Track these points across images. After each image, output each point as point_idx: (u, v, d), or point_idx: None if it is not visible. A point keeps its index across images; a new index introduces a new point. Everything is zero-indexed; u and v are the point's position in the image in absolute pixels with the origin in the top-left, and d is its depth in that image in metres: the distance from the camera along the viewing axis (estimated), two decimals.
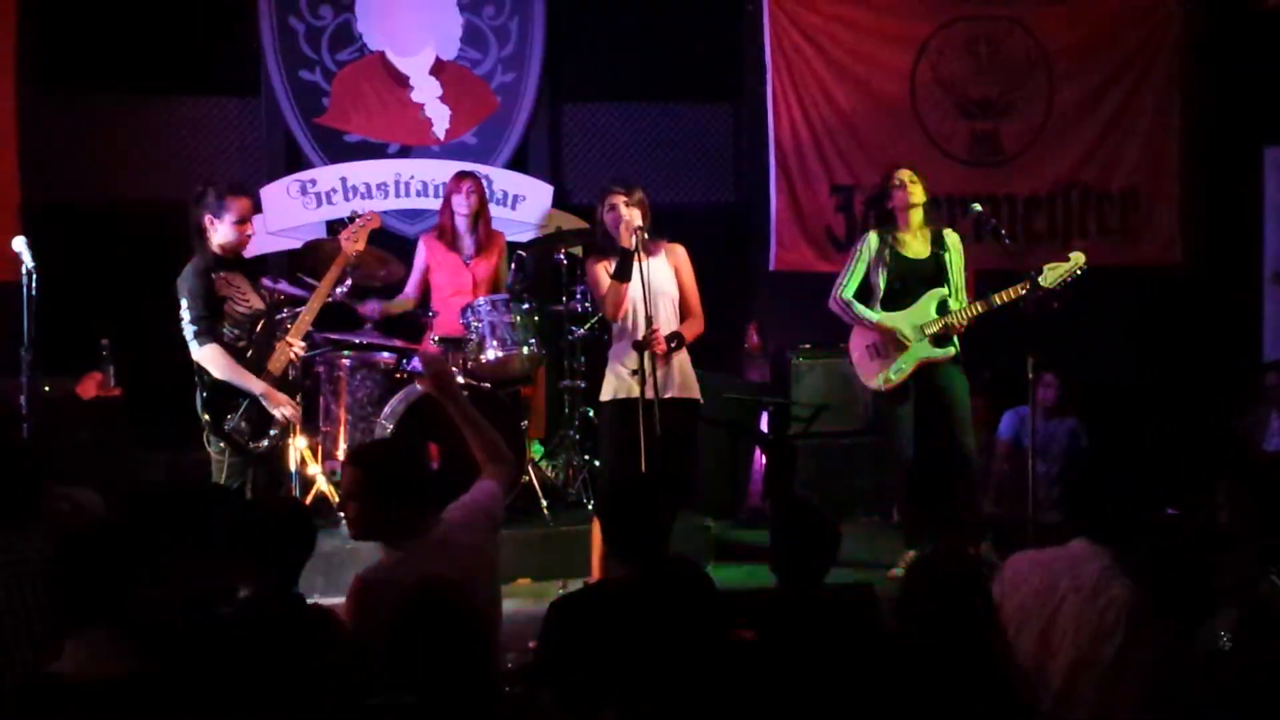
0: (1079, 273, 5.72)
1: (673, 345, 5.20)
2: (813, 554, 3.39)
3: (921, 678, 2.79)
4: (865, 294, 5.95)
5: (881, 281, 5.91)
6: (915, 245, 5.94)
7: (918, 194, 5.88)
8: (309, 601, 3.21)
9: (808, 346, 7.40)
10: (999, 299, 5.71)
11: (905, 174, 5.93)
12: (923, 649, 2.84)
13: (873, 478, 7.03)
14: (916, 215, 5.90)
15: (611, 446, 5.27)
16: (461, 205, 6.37)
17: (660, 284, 5.24)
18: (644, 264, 5.11)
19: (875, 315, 5.91)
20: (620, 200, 5.23)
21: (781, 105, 7.73)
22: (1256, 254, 8.22)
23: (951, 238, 5.97)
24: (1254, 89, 7.94)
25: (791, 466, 7.12)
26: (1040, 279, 5.70)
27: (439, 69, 7.47)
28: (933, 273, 5.89)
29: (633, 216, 5.17)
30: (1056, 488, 6.05)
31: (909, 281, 5.89)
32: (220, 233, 5.03)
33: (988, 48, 7.99)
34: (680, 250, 5.39)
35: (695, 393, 5.33)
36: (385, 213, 7.01)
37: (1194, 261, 8.14)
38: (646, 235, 5.16)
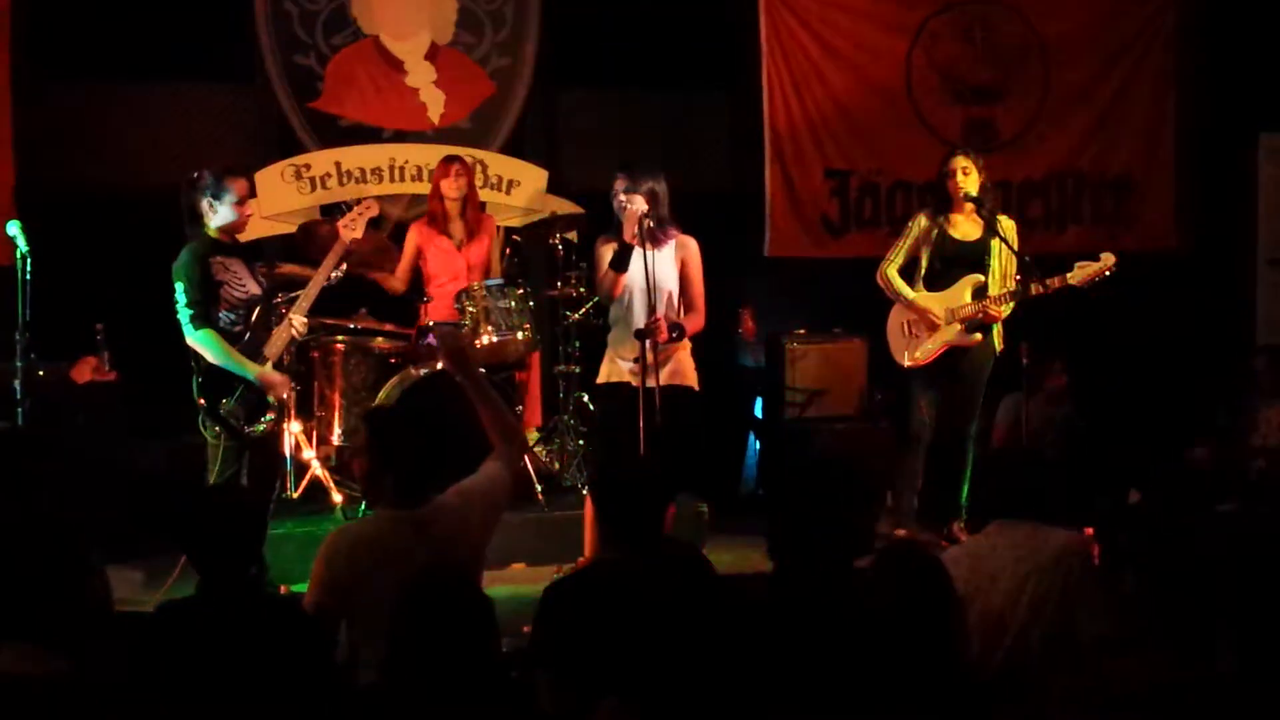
0: (1108, 274, 5.74)
1: (674, 335, 5.17)
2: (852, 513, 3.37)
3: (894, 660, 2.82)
4: (912, 271, 5.97)
5: (924, 260, 5.93)
6: (966, 227, 5.94)
7: (970, 183, 5.86)
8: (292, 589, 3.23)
9: (802, 331, 7.39)
10: (1030, 291, 5.69)
11: (960, 161, 5.92)
12: (887, 634, 2.87)
13: (867, 463, 7.01)
14: (969, 202, 5.90)
15: (602, 429, 5.28)
16: (450, 190, 6.36)
17: (661, 277, 5.19)
18: (648, 254, 5.08)
19: (911, 294, 5.93)
20: (621, 187, 5.19)
21: (776, 91, 7.72)
22: (1251, 239, 8.23)
23: (1006, 224, 5.95)
24: (1250, 75, 7.94)
25: (785, 452, 7.12)
26: (1070, 276, 5.72)
27: (434, 53, 7.43)
28: (978, 256, 5.90)
29: (635, 205, 5.12)
30: None
31: (951, 263, 5.91)
32: (220, 214, 5.04)
33: (983, 33, 7.98)
34: (691, 243, 5.31)
35: (692, 380, 5.30)
36: (379, 198, 6.99)
37: (1189, 247, 8.15)
38: (651, 225, 5.12)
